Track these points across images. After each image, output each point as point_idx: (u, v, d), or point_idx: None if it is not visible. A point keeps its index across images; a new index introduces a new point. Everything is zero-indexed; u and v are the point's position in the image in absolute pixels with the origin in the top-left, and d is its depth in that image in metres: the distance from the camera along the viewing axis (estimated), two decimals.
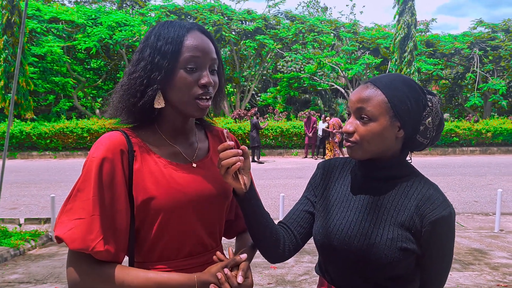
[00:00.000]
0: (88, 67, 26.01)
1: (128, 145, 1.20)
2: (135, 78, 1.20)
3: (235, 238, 1.51)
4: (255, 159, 15.10)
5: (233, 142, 1.19)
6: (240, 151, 1.18)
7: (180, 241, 1.24)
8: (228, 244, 1.44)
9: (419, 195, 1.23)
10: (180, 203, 1.21)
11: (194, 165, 1.29)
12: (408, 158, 1.32)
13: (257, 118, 15.53)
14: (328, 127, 15.21)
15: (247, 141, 15.77)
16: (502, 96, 23.77)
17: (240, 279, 1.15)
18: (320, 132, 16.14)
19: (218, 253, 1.23)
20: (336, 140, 15.05)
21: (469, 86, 25.91)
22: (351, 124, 1.25)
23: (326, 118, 16.04)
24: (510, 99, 26.89)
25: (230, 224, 1.48)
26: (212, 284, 1.15)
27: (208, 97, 1.22)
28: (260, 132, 16.80)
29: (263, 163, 14.87)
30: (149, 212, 1.19)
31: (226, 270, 1.16)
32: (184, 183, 1.23)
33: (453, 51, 25.14)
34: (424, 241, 1.21)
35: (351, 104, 1.26)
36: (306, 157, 16.90)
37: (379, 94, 1.21)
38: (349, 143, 1.26)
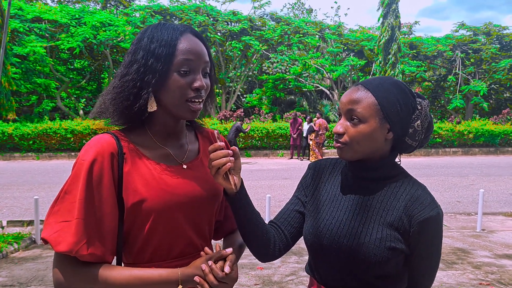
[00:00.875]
0: (72, 67, 25.72)
1: (118, 148, 1.20)
2: (128, 80, 1.20)
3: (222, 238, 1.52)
4: None
5: (223, 143, 1.20)
6: (230, 151, 1.19)
7: (170, 242, 1.25)
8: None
9: (408, 195, 1.26)
10: (170, 204, 1.21)
11: (185, 166, 1.29)
12: (397, 159, 1.35)
13: (242, 123, 15.47)
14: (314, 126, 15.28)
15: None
16: (483, 98, 24.22)
17: (227, 269, 1.16)
18: (305, 134, 16.22)
19: (206, 248, 1.24)
20: (319, 140, 15.09)
21: (451, 88, 26.35)
22: (341, 125, 1.27)
23: (313, 119, 16.10)
24: (491, 101, 27.42)
25: (219, 225, 1.49)
26: (196, 276, 1.15)
27: (200, 100, 1.23)
28: (247, 133, 16.81)
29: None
30: (139, 214, 1.19)
31: (210, 262, 1.17)
32: (174, 184, 1.24)
33: (435, 54, 25.56)
34: (413, 241, 1.23)
35: (342, 105, 1.28)
36: (292, 158, 16.97)
37: (370, 96, 1.24)
38: (339, 144, 1.28)
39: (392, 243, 1.21)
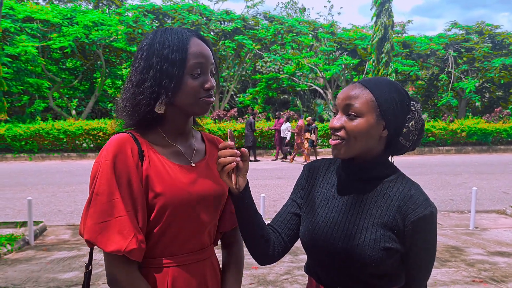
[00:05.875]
0: (64, 67, 25.51)
1: (137, 146, 1.25)
2: (148, 86, 1.26)
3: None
4: (251, 158, 15.05)
5: (233, 143, 1.23)
6: (238, 152, 1.22)
7: (182, 237, 1.30)
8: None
9: (401, 195, 1.27)
10: (184, 201, 1.27)
11: (193, 164, 1.35)
12: (390, 159, 1.36)
13: (254, 118, 15.39)
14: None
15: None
16: (475, 93, 24.27)
17: None
18: (282, 134, 16.10)
19: None
20: (303, 140, 14.98)
21: (444, 87, 26.48)
22: (338, 120, 1.28)
23: (307, 118, 16.06)
24: (484, 100, 27.58)
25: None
26: None
27: (211, 96, 1.32)
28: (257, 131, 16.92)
29: (259, 161, 15.21)
30: (155, 210, 1.24)
31: None
32: (187, 181, 1.30)
33: (428, 52, 25.67)
34: (407, 240, 1.24)
35: (339, 101, 1.29)
36: (276, 159, 16.59)
37: (367, 93, 1.25)
38: (336, 140, 1.28)
39: (386, 243, 1.22)
